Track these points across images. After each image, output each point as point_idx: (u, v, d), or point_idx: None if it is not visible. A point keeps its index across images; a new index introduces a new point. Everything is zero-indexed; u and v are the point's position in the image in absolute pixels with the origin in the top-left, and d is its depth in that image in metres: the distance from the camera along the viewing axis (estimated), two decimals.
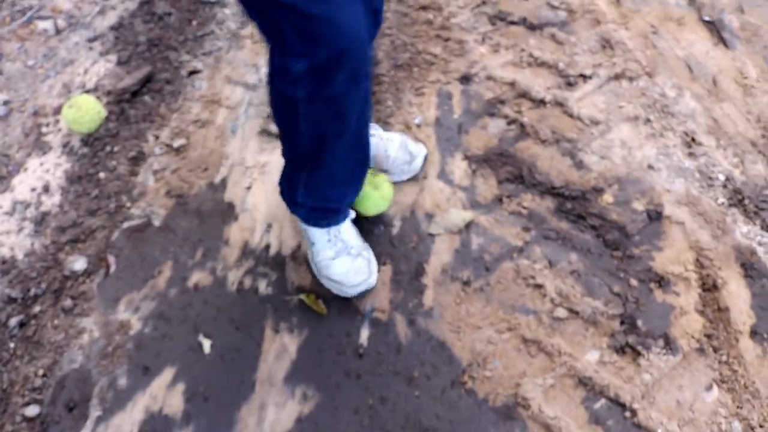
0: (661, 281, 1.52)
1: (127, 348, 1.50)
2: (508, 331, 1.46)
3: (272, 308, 1.52)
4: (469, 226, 1.64)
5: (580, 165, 1.75)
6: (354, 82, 1.11)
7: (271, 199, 1.71)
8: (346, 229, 1.50)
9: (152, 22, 2.21)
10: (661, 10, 2.22)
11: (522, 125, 1.84)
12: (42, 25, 2.21)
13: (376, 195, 1.57)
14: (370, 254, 1.53)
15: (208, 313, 1.53)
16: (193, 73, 2.05)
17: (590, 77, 1.97)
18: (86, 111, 1.87)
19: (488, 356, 1.42)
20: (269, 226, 1.67)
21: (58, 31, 2.20)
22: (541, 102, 1.90)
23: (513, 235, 1.62)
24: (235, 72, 2.02)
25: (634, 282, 1.52)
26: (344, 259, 1.46)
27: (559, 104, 1.89)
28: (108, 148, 1.88)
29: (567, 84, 1.96)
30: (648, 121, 1.86)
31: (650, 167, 1.75)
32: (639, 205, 1.67)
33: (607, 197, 1.68)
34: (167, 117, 1.94)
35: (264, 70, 2.03)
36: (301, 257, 1.61)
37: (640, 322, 1.45)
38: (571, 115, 1.87)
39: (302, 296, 1.52)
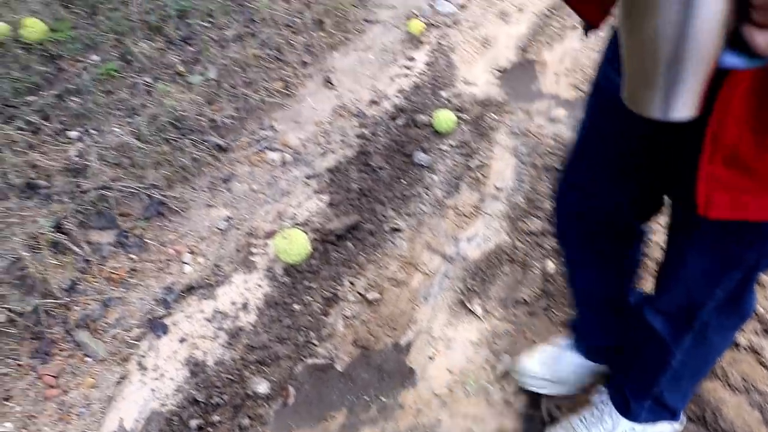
0: None
1: None
2: None
3: None
4: None
5: None
6: None
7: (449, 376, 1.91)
8: None
9: (366, 172, 2.59)
10: None
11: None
12: (271, 155, 2.65)
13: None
14: None
15: None
16: (396, 230, 2.37)
17: None
18: (296, 244, 2.21)
19: None
20: (444, 404, 1.86)
21: (283, 163, 2.63)
22: (735, 345, 2.01)
23: None
24: (436, 240, 2.32)
25: None
26: None
27: (755, 351, 1.99)
28: (306, 283, 2.20)
29: (764, 331, 2.06)
30: None
31: None
32: None
33: None
34: (365, 267, 2.24)
35: (463, 244, 2.30)
36: None
37: None
38: (765, 366, 1.96)
39: None
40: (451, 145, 2.70)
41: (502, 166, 2.62)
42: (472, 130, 2.77)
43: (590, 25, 1.09)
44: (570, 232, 1.47)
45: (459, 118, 2.80)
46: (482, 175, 2.58)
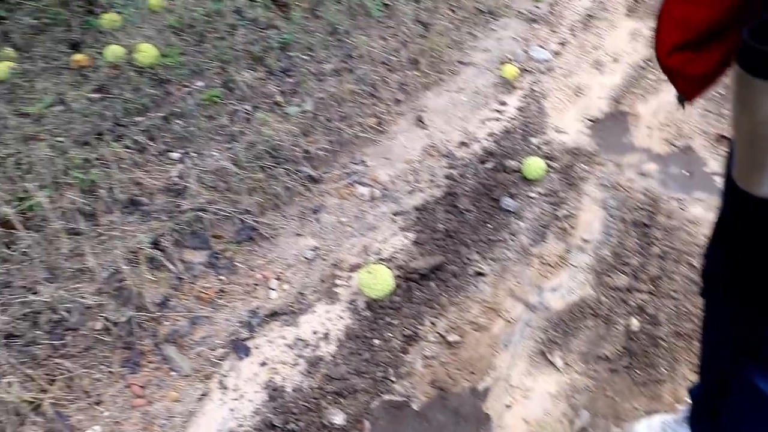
0: None
1: None
2: None
3: None
4: None
5: None
6: None
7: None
8: None
9: (452, 213, 2.64)
10: None
11: None
12: (360, 189, 2.73)
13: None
14: None
15: None
16: (479, 274, 2.40)
17: None
18: (380, 280, 2.27)
19: None
20: None
21: (372, 198, 2.71)
22: None
23: None
24: (519, 288, 2.33)
25: None
26: None
27: None
28: (387, 319, 2.25)
29: None
30: None
31: None
32: None
33: None
34: (447, 309, 2.28)
35: (547, 294, 2.31)
36: None
37: None
38: None
39: None
40: (540, 193, 2.72)
41: (590, 218, 2.62)
42: (561, 179, 2.79)
43: (685, 98, 1.13)
44: (706, 287, 1.48)
45: (548, 165, 2.82)
46: (569, 225, 2.58)
